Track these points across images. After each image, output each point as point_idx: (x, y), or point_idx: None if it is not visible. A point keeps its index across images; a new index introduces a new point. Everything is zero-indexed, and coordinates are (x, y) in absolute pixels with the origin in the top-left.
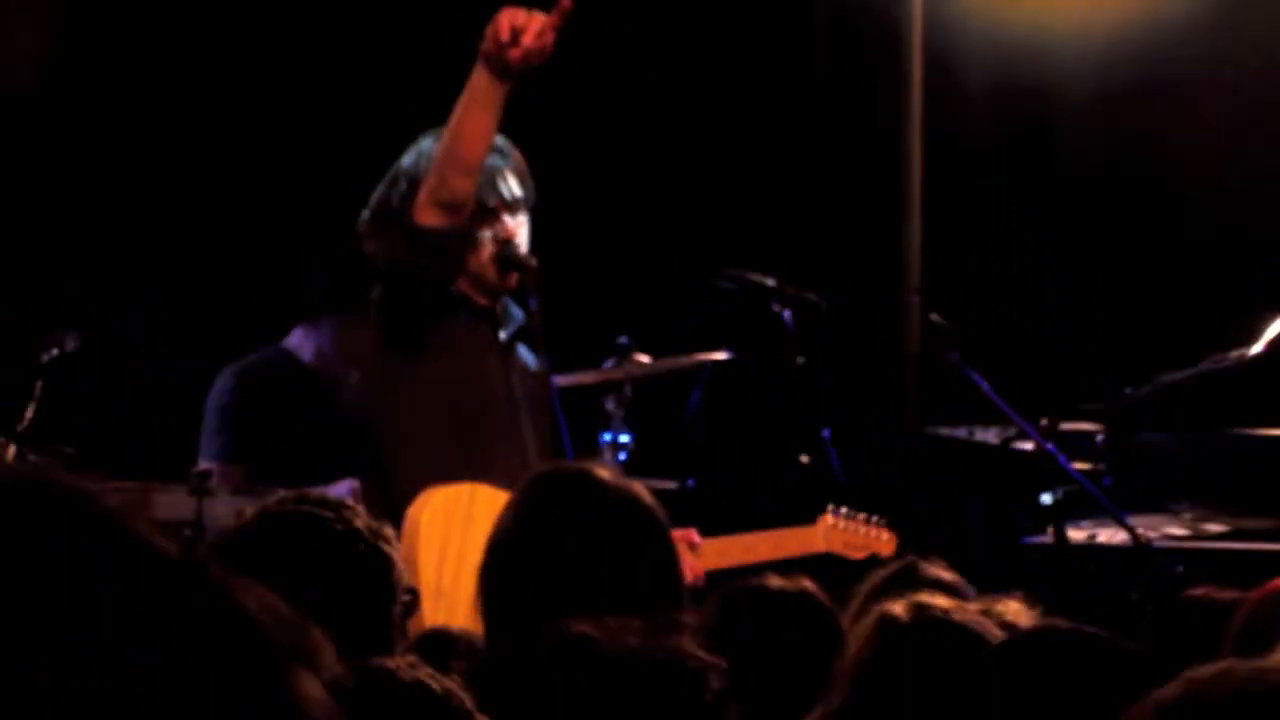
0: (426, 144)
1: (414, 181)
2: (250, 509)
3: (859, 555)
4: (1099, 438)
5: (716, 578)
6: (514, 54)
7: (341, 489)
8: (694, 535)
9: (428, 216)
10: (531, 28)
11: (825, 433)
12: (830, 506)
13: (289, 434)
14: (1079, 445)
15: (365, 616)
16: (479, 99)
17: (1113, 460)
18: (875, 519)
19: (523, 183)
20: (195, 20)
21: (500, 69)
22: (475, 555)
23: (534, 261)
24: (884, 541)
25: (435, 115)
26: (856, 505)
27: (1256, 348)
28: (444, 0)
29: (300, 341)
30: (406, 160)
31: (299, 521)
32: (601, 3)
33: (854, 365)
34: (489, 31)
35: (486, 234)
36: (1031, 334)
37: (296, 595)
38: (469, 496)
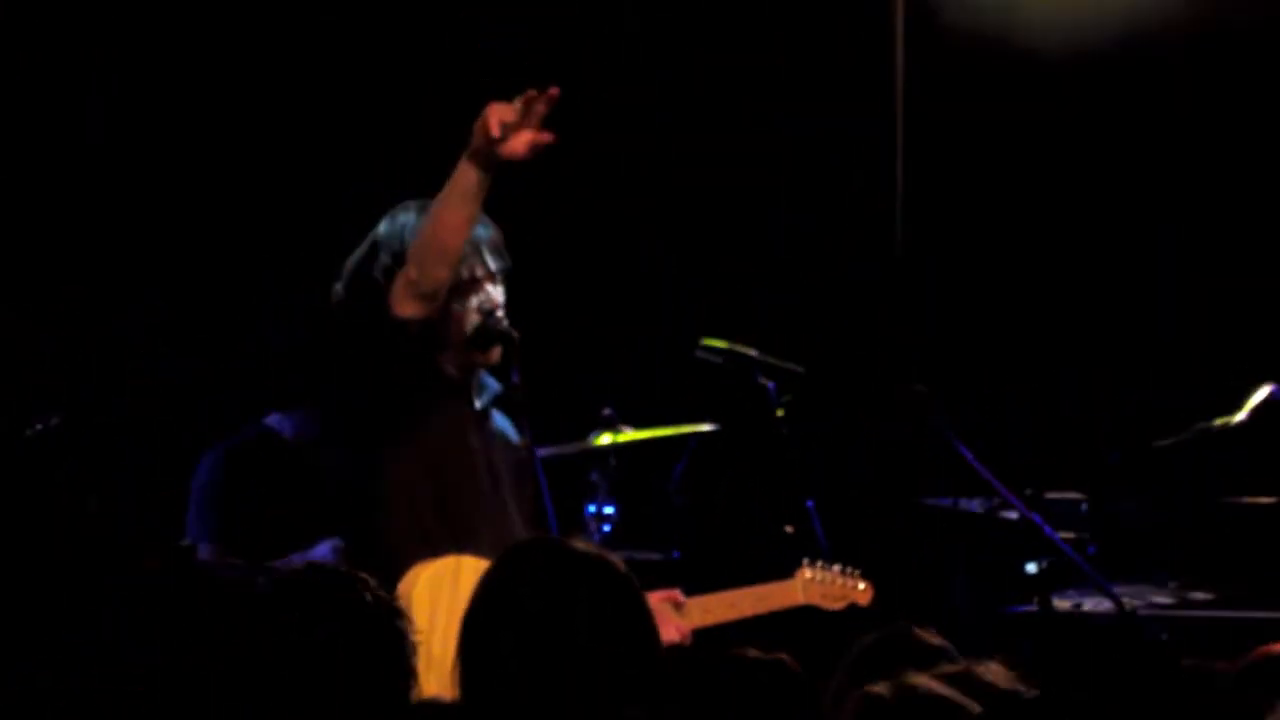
0: (404, 218)
1: (395, 254)
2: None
3: (837, 606)
4: (1083, 506)
5: (704, 635)
6: (505, 150)
7: (322, 550)
8: (678, 595)
9: (407, 308)
10: (524, 136)
11: (809, 503)
12: (805, 560)
13: (273, 512)
14: (1063, 514)
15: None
16: (463, 191)
17: (1096, 529)
18: (850, 570)
19: (500, 254)
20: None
21: (487, 164)
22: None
23: (516, 333)
24: (860, 591)
25: (418, 145)
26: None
27: (1241, 415)
28: (434, 38)
29: (280, 421)
30: (383, 229)
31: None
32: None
33: (838, 436)
34: (478, 127)
35: (472, 303)
36: (1015, 400)
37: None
38: (454, 568)
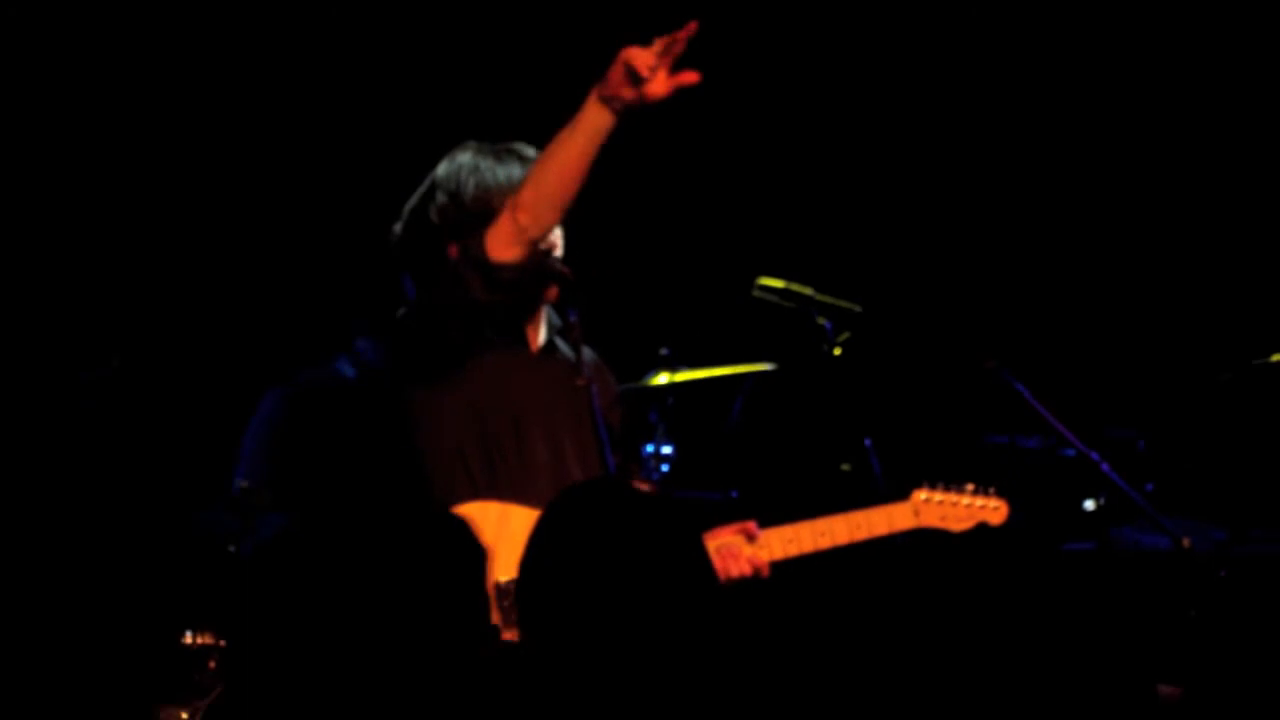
0: (463, 158)
1: (451, 194)
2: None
3: (963, 527)
4: (1140, 443)
5: (790, 568)
6: (650, 91)
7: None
8: (752, 527)
9: (507, 252)
10: (664, 76)
11: (867, 441)
12: (925, 483)
13: (332, 461)
14: (1121, 451)
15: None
16: (591, 135)
17: (1154, 465)
18: (981, 488)
19: None
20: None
21: (620, 108)
22: (504, 574)
23: (570, 272)
24: (993, 510)
25: (453, 129)
26: None
27: None
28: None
29: (344, 362)
30: (441, 170)
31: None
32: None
33: (896, 373)
34: (615, 71)
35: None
36: (1074, 336)
37: None
38: (498, 516)
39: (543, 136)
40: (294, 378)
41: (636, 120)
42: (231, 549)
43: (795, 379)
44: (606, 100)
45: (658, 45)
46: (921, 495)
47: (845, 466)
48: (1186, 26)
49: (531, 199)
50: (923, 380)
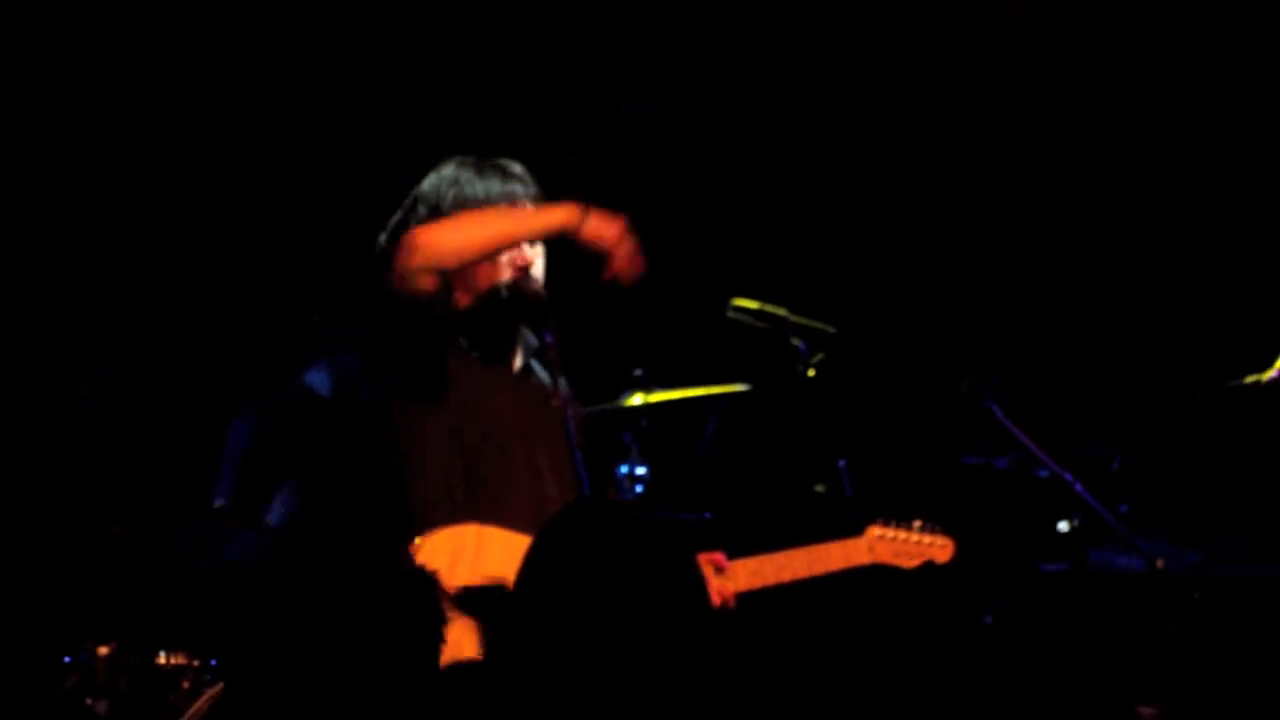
0: (448, 172)
1: (431, 208)
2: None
3: (912, 564)
4: (1115, 464)
5: (752, 600)
6: (614, 264)
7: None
8: (720, 558)
9: (406, 284)
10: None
11: (841, 462)
12: (879, 518)
13: (304, 480)
14: (1096, 471)
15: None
16: (536, 232)
17: (1129, 486)
18: (929, 525)
19: None
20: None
21: (577, 237)
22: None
23: (545, 293)
24: (939, 547)
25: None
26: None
27: (1273, 373)
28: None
29: (317, 376)
30: (426, 184)
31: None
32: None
33: (870, 394)
34: (609, 230)
35: (504, 259)
36: (1048, 358)
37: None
38: (475, 538)
39: (519, 148)
40: (268, 394)
41: (609, 142)
42: (197, 566)
43: (769, 400)
44: (576, 224)
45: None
46: (875, 531)
47: (819, 488)
48: (1148, 67)
49: (449, 248)
50: (897, 402)
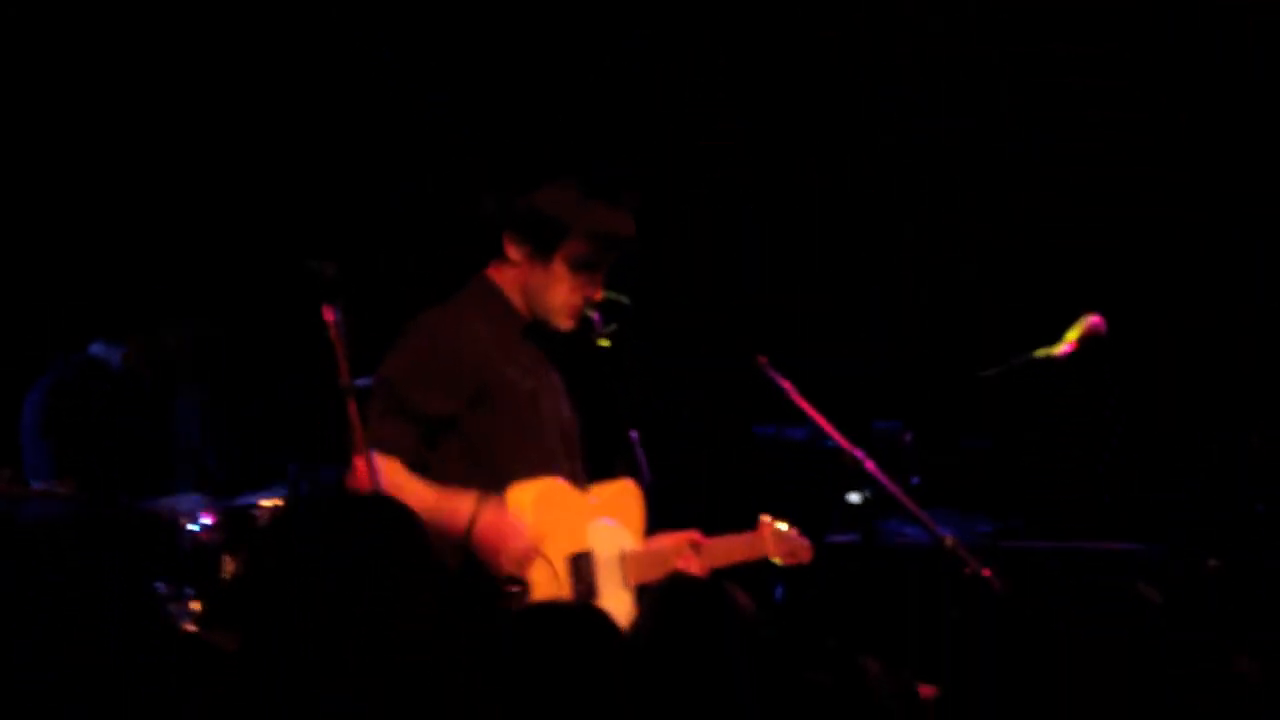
0: (572, 195)
1: (558, 228)
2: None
3: (790, 562)
4: (907, 437)
5: None
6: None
7: (190, 502)
8: (698, 536)
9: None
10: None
11: (633, 434)
12: (765, 516)
13: (107, 441)
14: (887, 445)
15: None
16: (448, 529)
17: (920, 459)
18: (795, 529)
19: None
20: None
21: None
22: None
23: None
24: (807, 549)
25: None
26: (661, 507)
27: (1063, 347)
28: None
29: (106, 351)
30: (548, 203)
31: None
32: None
33: (663, 366)
34: (517, 557)
35: (575, 281)
36: (845, 333)
37: None
38: (558, 488)
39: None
40: (51, 374)
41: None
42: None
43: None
44: (486, 547)
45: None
46: (775, 526)
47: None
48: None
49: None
50: (690, 373)
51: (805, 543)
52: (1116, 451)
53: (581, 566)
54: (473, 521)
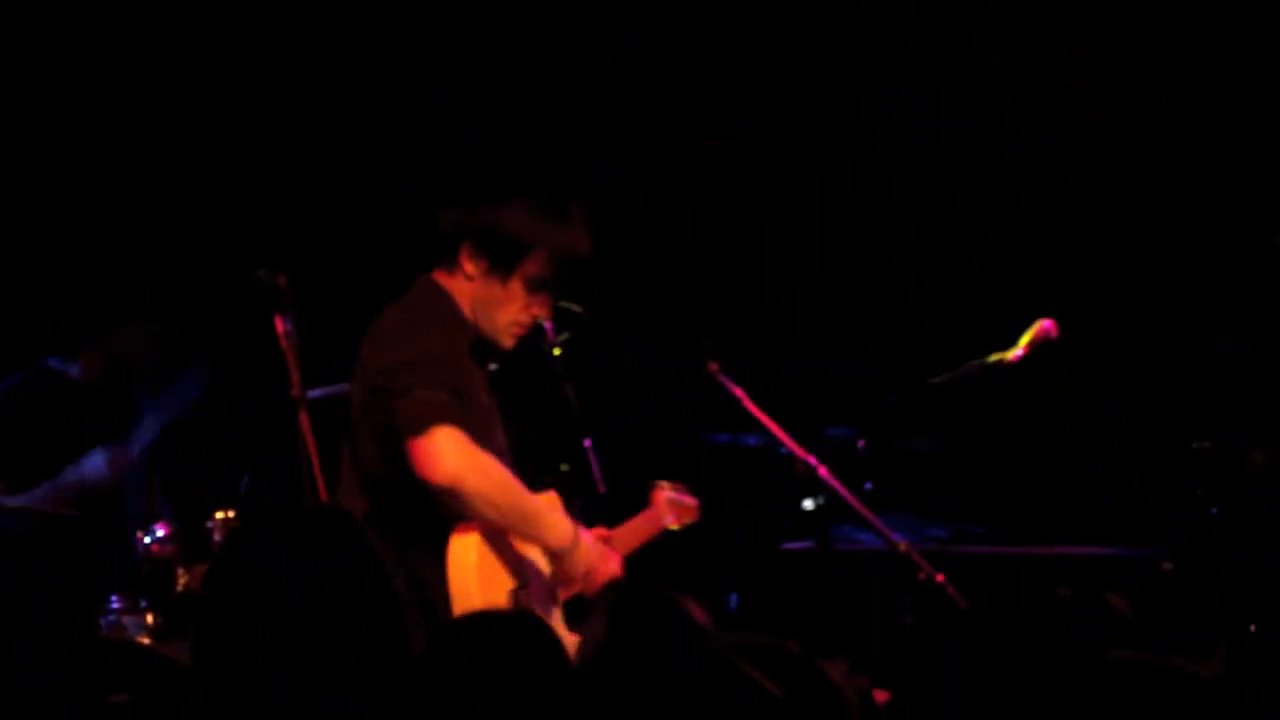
0: (525, 209)
1: (510, 243)
2: None
3: (683, 523)
4: (860, 443)
5: None
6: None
7: (96, 460)
8: (604, 531)
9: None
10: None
11: (586, 442)
12: (660, 482)
13: (53, 448)
14: (840, 450)
15: None
16: (540, 539)
17: (873, 465)
18: (679, 485)
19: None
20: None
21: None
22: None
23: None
24: (692, 509)
25: None
26: (616, 514)
27: (1016, 351)
28: None
29: (62, 364)
30: (507, 218)
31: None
32: None
33: (617, 373)
34: (605, 576)
35: (525, 301)
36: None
37: None
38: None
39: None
40: (3, 381)
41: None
42: None
43: (515, 378)
44: (575, 566)
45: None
46: (666, 493)
47: (564, 467)
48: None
49: (480, 505)
50: (643, 380)
51: (692, 502)
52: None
53: (519, 600)
54: (577, 539)
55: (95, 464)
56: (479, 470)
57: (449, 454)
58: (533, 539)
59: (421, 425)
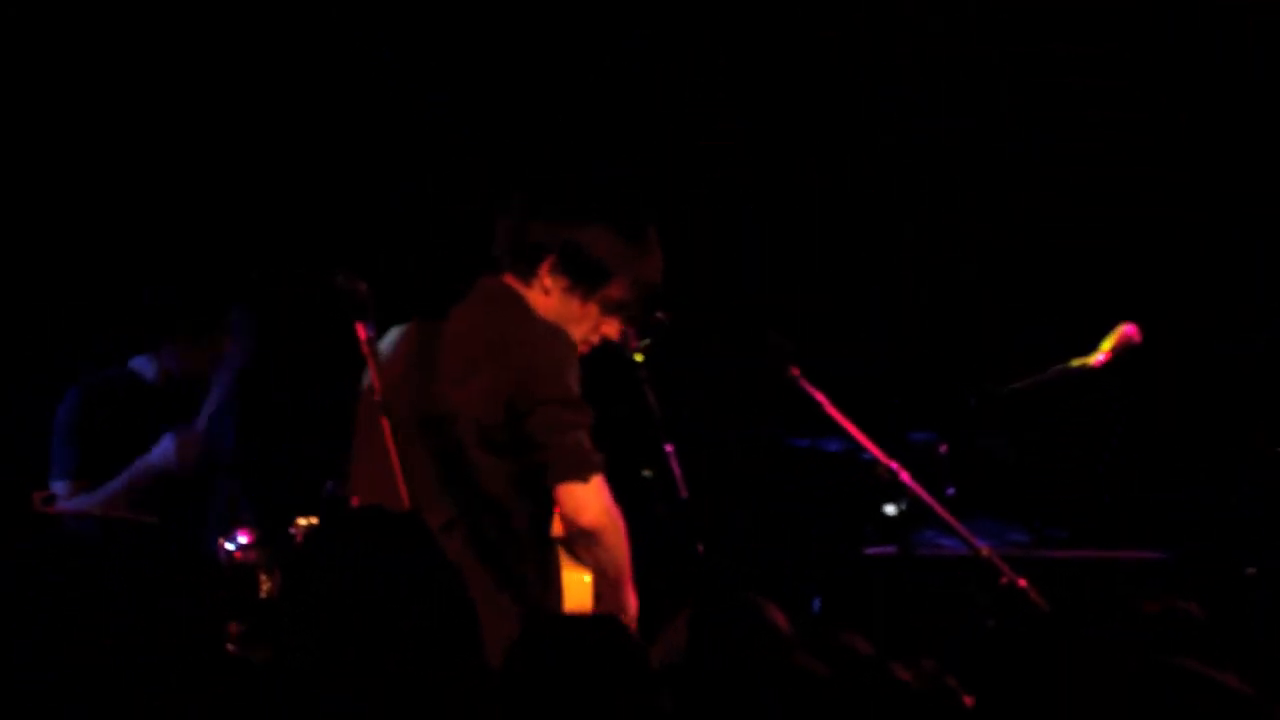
0: (615, 238)
1: (596, 269)
2: None
3: None
4: (942, 448)
5: None
6: None
7: (165, 444)
8: None
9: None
10: None
11: (668, 447)
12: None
13: (132, 448)
14: (922, 456)
15: None
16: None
17: (955, 470)
18: None
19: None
20: None
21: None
22: None
23: None
24: None
25: None
26: (697, 520)
27: (1099, 356)
28: None
29: (144, 364)
30: (591, 241)
31: None
32: None
33: (698, 379)
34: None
35: (612, 319)
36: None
37: None
38: None
39: None
40: (92, 377)
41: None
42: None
43: (596, 385)
44: None
45: None
46: None
47: (647, 473)
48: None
49: (607, 558)
50: (724, 386)
51: None
52: (1130, 457)
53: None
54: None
55: (164, 449)
56: (617, 527)
57: (601, 504)
58: (618, 603)
59: (585, 471)
